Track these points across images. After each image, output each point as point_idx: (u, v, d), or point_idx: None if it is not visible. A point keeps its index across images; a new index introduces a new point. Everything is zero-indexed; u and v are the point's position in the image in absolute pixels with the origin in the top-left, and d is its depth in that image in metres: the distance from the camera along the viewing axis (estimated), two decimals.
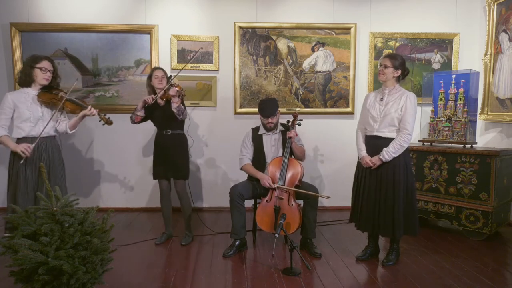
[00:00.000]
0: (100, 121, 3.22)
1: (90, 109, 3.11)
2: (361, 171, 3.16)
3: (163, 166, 3.50)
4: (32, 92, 3.03)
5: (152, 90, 3.51)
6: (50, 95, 3.05)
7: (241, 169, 3.50)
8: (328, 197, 3.18)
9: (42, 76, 3.01)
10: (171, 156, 3.47)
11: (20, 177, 2.95)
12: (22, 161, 2.93)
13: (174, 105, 3.33)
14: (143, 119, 3.53)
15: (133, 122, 3.52)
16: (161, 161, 3.51)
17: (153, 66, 4.49)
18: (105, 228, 2.19)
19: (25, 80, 3.02)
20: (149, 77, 3.50)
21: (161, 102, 3.43)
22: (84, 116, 3.14)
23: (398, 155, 2.95)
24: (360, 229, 3.19)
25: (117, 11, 4.49)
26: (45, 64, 3.02)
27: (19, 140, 3.00)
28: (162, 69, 3.53)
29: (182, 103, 3.41)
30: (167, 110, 3.42)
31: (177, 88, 3.32)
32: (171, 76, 3.56)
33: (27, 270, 1.95)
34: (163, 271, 2.96)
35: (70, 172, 4.48)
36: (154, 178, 3.59)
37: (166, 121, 3.47)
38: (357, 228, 3.21)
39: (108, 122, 3.23)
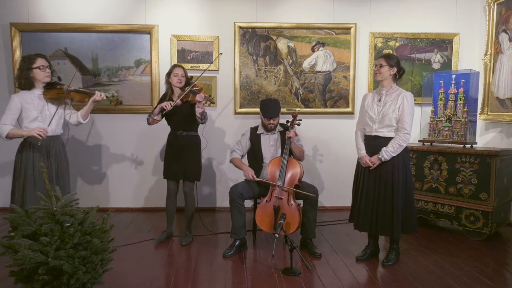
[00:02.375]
0: (111, 103, 3.23)
1: (98, 94, 3.08)
2: (361, 170, 3.17)
3: (175, 167, 3.49)
4: (37, 91, 3.02)
5: (170, 88, 3.50)
6: (55, 90, 3.05)
7: (230, 161, 3.58)
8: (314, 196, 3.21)
9: (43, 75, 3.00)
10: (184, 158, 3.46)
11: (29, 177, 2.94)
12: (39, 143, 2.92)
13: (199, 110, 3.31)
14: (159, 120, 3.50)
15: (149, 124, 3.49)
16: (173, 162, 3.49)
17: (153, 66, 4.50)
18: (105, 228, 2.19)
19: (26, 83, 2.98)
20: (168, 74, 3.48)
21: (179, 102, 3.38)
22: (94, 102, 3.10)
23: (397, 154, 2.96)
24: (357, 229, 3.19)
25: (117, 11, 4.49)
26: (41, 62, 2.99)
27: (27, 141, 2.99)
28: (182, 67, 3.50)
29: None
30: (185, 111, 3.41)
31: (204, 94, 3.30)
32: (191, 77, 3.53)
33: (27, 270, 1.95)
34: (163, 271, 2.96)
35: (70, 172, 4.49)
36: (165, 178, 3.59)
37: (182, 122, 3.46)
38: (355, 227, 3.21)
39: (118, 102, 3.24)
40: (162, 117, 3.49)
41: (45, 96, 3.03)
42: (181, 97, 3.37)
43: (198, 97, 3.27)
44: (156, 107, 3.50)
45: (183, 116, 3.44)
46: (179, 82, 3.44)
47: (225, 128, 4.67)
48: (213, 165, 4.71)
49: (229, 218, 3.40)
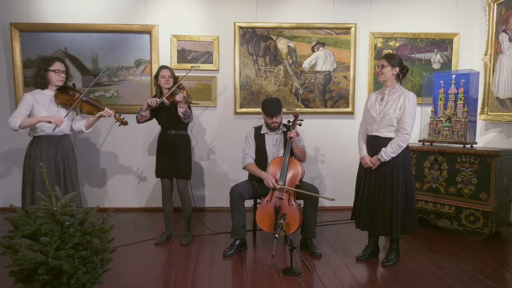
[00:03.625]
0: (116, 122, 3.27)
1: (106, 111, 3.17)
2: (362, 170, 3.17)
3: (166, 165, 3.51)
4: (49, 93, 3.12)
5: (159, 89, 3.51)
6: (67, 96, 3.14)
7: (244, 168, 3.49)
8: (333, 199, 3.21)
9: (57, 78, 3.10)
10: (174, 156, 3.49)
11: (37, 176, 3.01)
12: (52, 131, 3.04)
13: (181, 110, 3.33)
14: (149, 118, 3.53)
15: (139, 121, 3.51)
16: (164, 160, 3.52)
17: (153, 66, 4.50)
18: (105, 228, 2.19)
19: (41, 83, 3.10)
20: (156, 76, 3.50)
21: (167, 102, 3.41)
22: (100, 116, 3.19)
23: (396, 155, 2.96)
24: (359, 227, 3.20)
25: (117, 11, 4.49)
26: (58, 66, 3.10)
27: (36, 139, 3.09)
28: (169, 68, 3.51)
29: (189, 106, 3.39)
30: (173, 110, 3.42)
31: (183, 94, 3.31)
32: (178, 77, 3.54)
33: (27, 270, 1.95)
34: (163, 271, 2.96)
35: None
36: (157, 177, 3.60)
37: (170, 121, 3.47)
38: (356, 226, 3.22)
39: (124, 123, 3.27)
40: (151, 115, 3.49)
41: (55, 99, 3.12)
42: (165, 96, 3.38)
43: (178, 97, 3.30)
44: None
45: (171, 115, 3.45)
46: (167, 83, 3.45)
47: (225, 128, 4.66)
48: (213, 165, 4.71)
49: (229, 218, 3.40)
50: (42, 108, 3.06)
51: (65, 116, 3.10)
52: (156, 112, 3.49)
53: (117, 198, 4.66)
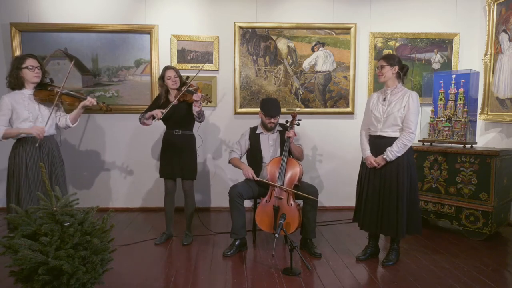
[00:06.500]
0: (100, 109, 3.20)
1: (88, 99, 3.06)
2: (365, 171, 3.16)
3: (171, 166, 3.49)
4: (27, 92, 2.99)
5: (165, 90, 3.50)
6: (46, 92, 3.02)
7: (229, 161, 3.57)
8: (315, 199, 3.21)
9: (32, 75, 2.96)
10: (181, 156, 3.47)
11: (22, 177, 2.92)
12: (37, 144, 2.90)
13: (196, 109, 3.32)
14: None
15: (141, 123, 3.49)
16: (169, 161, 3.50)
17: (153, 66, 4.50)
18: (105, 228, 2.19)
19: (16, 83, 2.97)
20: (161, 78, 3.47)
21: (175, 102, 3.39)
22: (84, 107, 3.08)
23: (401, 154, 2.96)
24: (363, 229, 3.19)
25: (117, 11, 4.49)
26: (30, 62, 2.95)
27: (20, 141, 2.97)
28: (174, 68, 3.49)
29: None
30: (181, 110, 3.42)
31: (201, 94, 3.31)
32: (187, 77, 3.52)
33: (27, 270, 1.95)
34: (163, 271, 2.96)
35: (70, 172, 4.49)
36: (161, 177, 3.59)
37: (178, 121, 3.47)
38: (360, 227, 3.21)
39: (108, 110, 3.20)
40: (152, 122, 3.46)
41: (35, 97, 2.99)
42: (177, 97, 3.37)
43: (195, 97, 3.29)
44: (147, 110, 3.50)
45: (179, 116, 3.45)
46: (174, 83, 3.44)
47: (225, 128, 4.66)
48: (212, 165, 4.71)
49: (229, 218, 3.40)
50: (23, 108, 2.93)
51: (46, 124, 2.96)
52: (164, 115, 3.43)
53: (116, 198, 4.66)
